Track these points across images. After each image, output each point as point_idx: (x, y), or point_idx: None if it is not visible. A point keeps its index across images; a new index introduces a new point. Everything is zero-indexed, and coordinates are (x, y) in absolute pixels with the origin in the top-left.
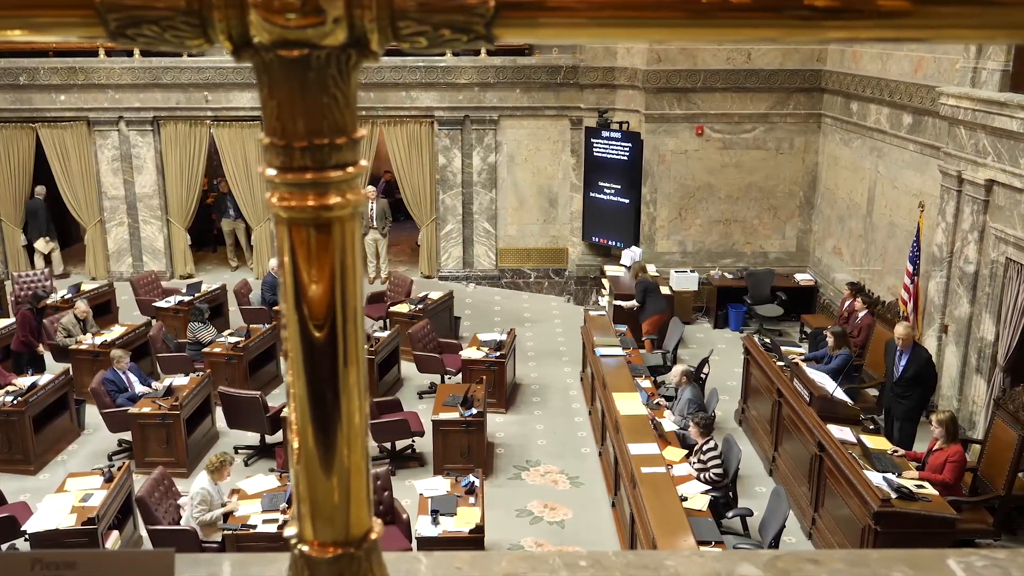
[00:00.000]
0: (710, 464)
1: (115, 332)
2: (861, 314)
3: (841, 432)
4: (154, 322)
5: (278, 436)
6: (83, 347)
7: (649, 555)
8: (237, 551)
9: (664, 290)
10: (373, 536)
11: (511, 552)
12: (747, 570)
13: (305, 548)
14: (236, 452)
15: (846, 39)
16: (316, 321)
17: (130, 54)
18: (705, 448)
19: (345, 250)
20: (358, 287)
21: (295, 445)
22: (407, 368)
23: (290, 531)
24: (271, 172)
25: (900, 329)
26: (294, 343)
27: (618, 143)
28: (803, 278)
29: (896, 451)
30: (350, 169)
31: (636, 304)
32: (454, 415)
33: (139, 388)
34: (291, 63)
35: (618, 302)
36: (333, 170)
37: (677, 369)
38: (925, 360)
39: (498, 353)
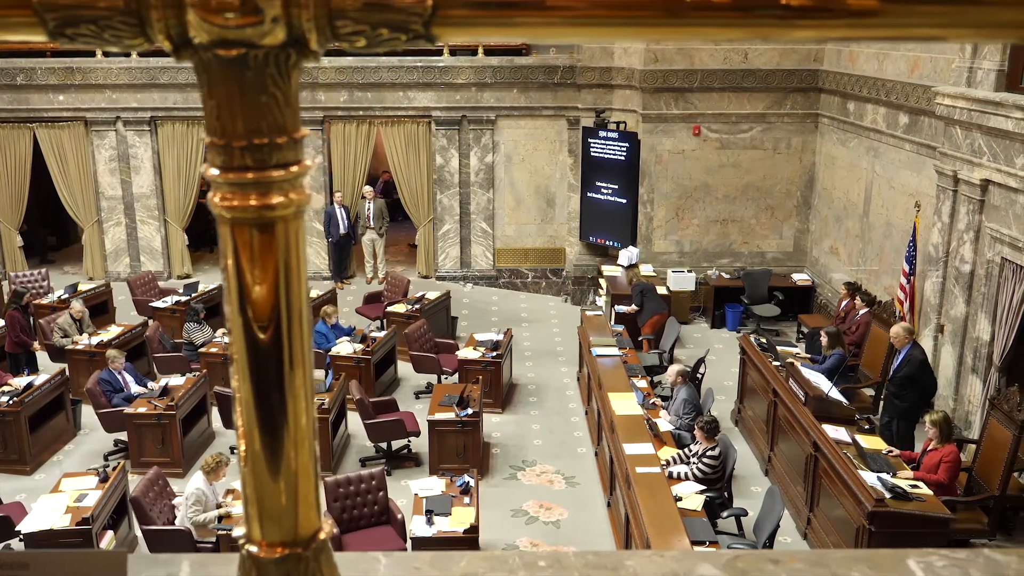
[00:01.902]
0: (703, 463)
1: (111, 332)
2: (861, 312)
3: (836, 432)
4: (150, 322)
5: None
6: (79, 347)
7: (608, 555)
8: (231, 551)
9: (661, 290)
10: (322, 536)
11: (471, 552)
12: (706, 570)
13: (253, 549)
14: (232, 452)
15: (816, 38)
16: (260, 323)
17: (128, 54)
18: (708, 453)
19: (289, 250)
20: (303, 288)
21: (242, 448)
22: (404, 368)
23: (238, 531)
24: (213, 172)
25: (895, 328)
26: (238, 345)
27: (615, 143)
28: (800, 278)
29: (890, 451)
30: (293, 168)
31: (635, 308)
32: (450, 415)
33: (135, 388)
34: (229, 62)
35: (619, 308)
36: (275, 169)
37: (673, 369)
38: (919, 362)
39: (495, 353)
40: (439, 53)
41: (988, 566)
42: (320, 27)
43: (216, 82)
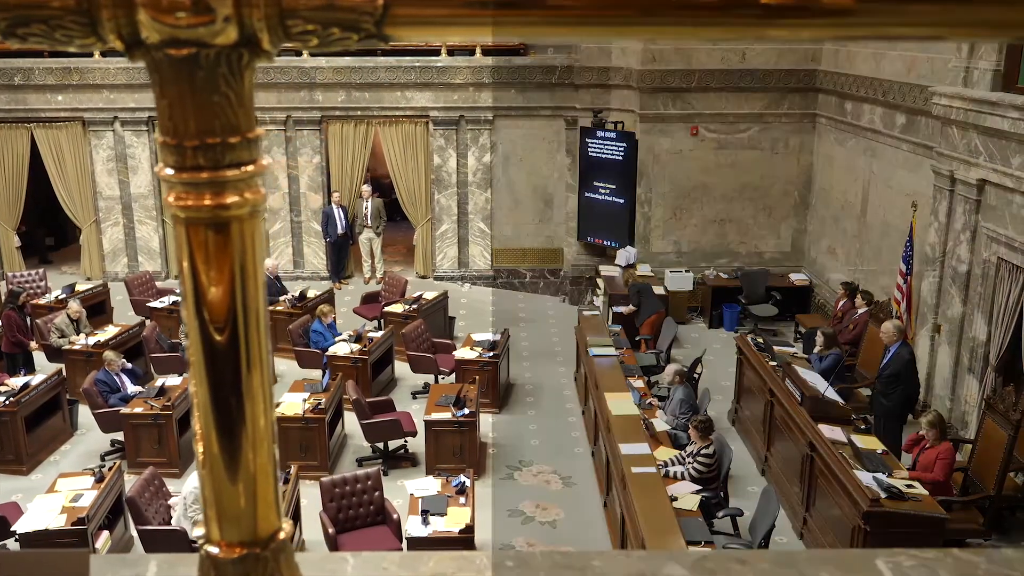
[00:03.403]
0: (698, 461)
1: (109, 332)
2: (860, 311)
3: (832, 432)
4: (148, 322)
5: None
6: (76, 347)
7: (575, 555)
8: None
9: (659, 290)
10: (281, 536)
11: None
12: (673, 570)
13: (212, 549)
14: None
15: (791, 37)
16: (217, 324)
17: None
18: (702, 451)
19: (245, 251)
20: (260, 289)
21: (200, 450)
22: (401, 368)
23: (198, 532)
24: (167, 171)
25: (886, 324)
26: (195, 347)
27: (613, 143)
28: (798, 278)
29: (885, 451)
30: (248, 168)
31: (633, 308)
32: (446, 415)
33: (131, 388)
34: (180, 62)
35: (616, 308)
36: (229, 169)
37: (670, 369)
38: (905, 361)
39: (492, 353)
40: (437, 53)
41: (957, 566)
42: (271, 27)
43: (168, 81)
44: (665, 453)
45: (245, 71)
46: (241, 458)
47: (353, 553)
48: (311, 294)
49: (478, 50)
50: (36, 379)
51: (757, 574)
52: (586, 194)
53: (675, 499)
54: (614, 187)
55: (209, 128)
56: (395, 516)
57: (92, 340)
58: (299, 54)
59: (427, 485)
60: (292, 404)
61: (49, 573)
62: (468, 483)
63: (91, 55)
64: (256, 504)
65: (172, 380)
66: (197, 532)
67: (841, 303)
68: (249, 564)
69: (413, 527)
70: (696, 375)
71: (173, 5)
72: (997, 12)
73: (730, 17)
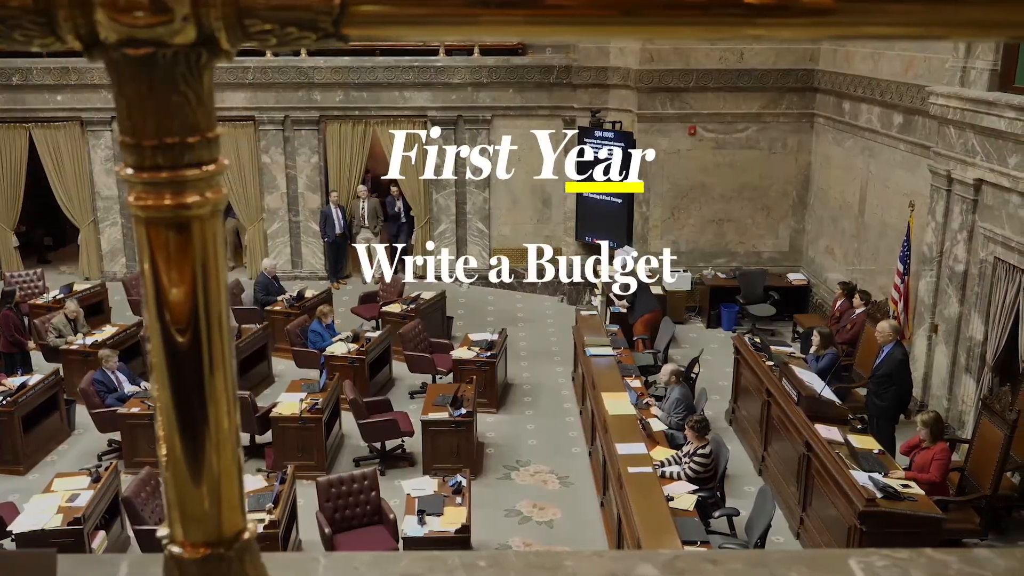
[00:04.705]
0: (694, 461)
1: (106, 332)
2: (857, 311)
3: (828, 432)
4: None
5: (268, 436)
6: (74, 347)
7: (548, 555)
8: None
9: (656, 290)
10: (246, 536)
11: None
12: (645, 570)
13: (176, 549)
14: None
15: (770, 36)
16: (178, 326)
17: None
18: (698, 451)
19: (207, 251)
20: (222, 290)
21: (163, 453)
22: (399, 368)
23: (162, 532)
24: (128, 171)
25: (882, 323)
26: (157, 350)
27: (611, 143)
28: (796, 278)
29: (881, 451)
30: (208, 167)
31: (627, 305)
32: (443, 415)
33: (128, 388)
34: (138, 61)
35: (613, 309)
36: (188, 168)
37: (666, 369)
38: (898, 361)
39: (489, 353)
40: (435, 53)
41: (929, 566)
42: (229, 26)
43: (126, 81)
44: (662, 453)
45: (204, 71)
46: (204, 461)
47: (324, 553)
48: (309, 294)
49: (476, 50)
50: (34, 379)
51: (728, 574)
52: (584, 194)
53: (671, 499)
54: None
55: (168, 128)
56: (391, 516)
57: (90, 340)
58: (297, 54)
59: (423, 485)
60: (289, 404)
61: (17, 573)
62: (464, 483)
63: None
64: (220, 506)
65: None
66: (161, 532)
67: (839, 303)
68: (213, 564)
69: (409, 527)
70: (694, 375)
71: (131, 5)
72: (978, 12)
73: (712, 16)
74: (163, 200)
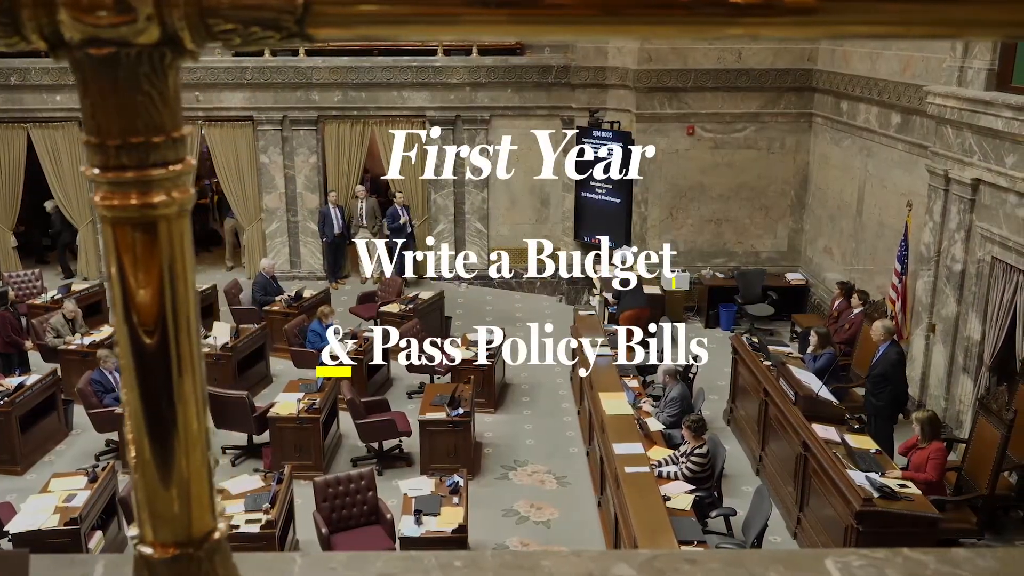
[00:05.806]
0: (691, 461)
1: (104, 332)
2: (856, 311)
3: (825, 431)
4: None
5: (265, 436)
6: (71, 347)
7: (525, 555)
8: None
9: (654, 289)
10: (216, 536)
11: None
12: (622, 570)
13: (146, 549)
14: (224, 452)
15: (752, 35)
16: (146, 327)
17: None
18: (695, 451)
19: (174, 251)
20: (190, 291)
21: (132, 455)
22: (397, 368)
23: (132, 532)
24: (94, 171)
25: (876, 323)
26: (124, 352)
27: (610, 142)
28: (794, 277)
29: (878, 451)
30: (174, 167)
31: (614, 300)
32: (441, 415)
33: None
34: (101, 61)
35: (611, 309)
36: (154, 168)
37: (661, 369)
38: (893, 361)
39: (491, 345)
40: (433, 53)
41: (906, 566)
42: (193, 25)
43: (90, 81)
44: (659, 453)
45: (169, 70)
46: (174, 462)
47: (301, 553)
48: (307, 294)
49: (475, 50)
50: (31, 379)
51: (706, 574)
52: (583, 193)
53: (668, 499)
54: (610, 187)
55: (132, 127)
56: (388, 516)
57: (88, 340)
58: (295, 53)
59: (421, 485)
60: (287, 404)
61: None
62: (462, 483)
63: None
64: (190, 506)
65: None
66: (131, 532)
67: (837, 303)
68: (182, 564)
69: (406, 527)
70: (691, 374)
71: (94, 4)
72: (961, 11)
73: (697, 16)
74: (129, 200)
